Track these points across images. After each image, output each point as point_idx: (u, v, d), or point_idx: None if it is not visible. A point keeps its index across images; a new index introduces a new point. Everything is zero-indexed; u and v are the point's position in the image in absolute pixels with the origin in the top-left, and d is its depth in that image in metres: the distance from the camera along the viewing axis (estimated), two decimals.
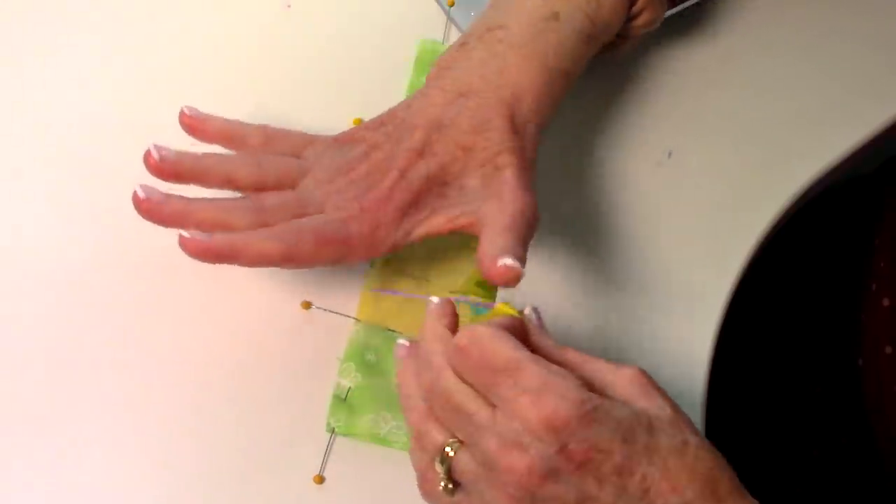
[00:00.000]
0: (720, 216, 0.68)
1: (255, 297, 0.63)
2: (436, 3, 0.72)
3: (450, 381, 0.51)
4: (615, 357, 0.64)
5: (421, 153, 0.60)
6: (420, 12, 0.72)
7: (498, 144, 0.59)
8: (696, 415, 0.63)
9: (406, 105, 0.62)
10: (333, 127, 0.67)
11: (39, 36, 0.70)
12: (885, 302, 0.76)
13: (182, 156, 0.59)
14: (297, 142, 0.62)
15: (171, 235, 0.58)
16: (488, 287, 0.65)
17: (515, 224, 0.57)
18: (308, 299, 0.64)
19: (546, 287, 0.66)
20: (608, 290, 0.66)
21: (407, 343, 0.55)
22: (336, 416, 0.62)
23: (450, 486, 0.52)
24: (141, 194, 0.57)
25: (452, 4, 0.71)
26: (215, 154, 0.60)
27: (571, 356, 0.53)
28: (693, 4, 0.71)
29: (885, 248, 0.78)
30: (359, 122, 0.68)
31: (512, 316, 0.54)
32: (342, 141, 0.62)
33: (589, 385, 0.50)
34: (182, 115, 0.61)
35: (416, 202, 0.59)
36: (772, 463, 0.80)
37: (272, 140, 0.62)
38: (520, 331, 0.53)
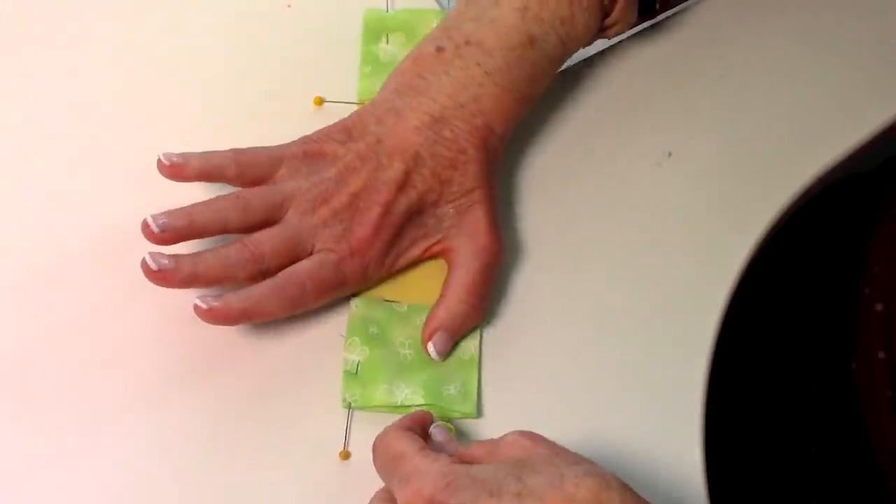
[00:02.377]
0: (720, 216, 0.68)
1: None
2: None
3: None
4: (614, 358, 0.64)
5: (402, 186, 0.63)
6: None
7: (472, 179, 0.64)
8: (696, 414, 0.63)
9: (376, 119, 0.64)
10: (296, 109, 0.69)
11: (36, 35, 0.70)
12: (878, 307, 0.76)
13: (176, 220, 0.61)
14: (268, 162, 0.64)
15: None
16: None
17: (481, 277, 0.64)
18: None
19: (545, 287, 0.66)
20: (606, 290, 0.66)
21: None
22: (350, 391, 0.62)
23: None
24: (152, 265, 0.60)
25: None
26: (202, 207, 0.62)
27: (467, 449, 0.56)
28: (693, 5, 0.71)
29: (879, 253, 0.78)
30: (319, 101, 0.69)
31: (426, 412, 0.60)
32: (311, 155, 0.64)
33: (475, 460, 0.54)
34: (160, 164, 0.63)
35: (398, 234, 0.63)
36: (770, 461, 0.80)
37: (245, 167, 0.64)
38: (429, 422, 0.59)
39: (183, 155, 0.63)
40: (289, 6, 0.72)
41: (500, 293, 0.66)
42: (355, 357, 0.63)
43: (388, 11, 0.72)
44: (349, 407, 0.62)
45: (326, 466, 0.61)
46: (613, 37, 0.69)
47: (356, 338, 0.63)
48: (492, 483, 0.50)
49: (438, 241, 0.64)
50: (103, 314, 0.63)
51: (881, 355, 0.74)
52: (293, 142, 0.65)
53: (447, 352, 0.63)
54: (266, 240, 0.62)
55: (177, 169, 0.63)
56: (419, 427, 0.58)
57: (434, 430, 0.59)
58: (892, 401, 0.73)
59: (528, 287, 0.66)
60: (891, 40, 0.72)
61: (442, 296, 0.64)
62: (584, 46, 0.67)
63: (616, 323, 0.65)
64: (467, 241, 0.64)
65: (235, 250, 0.61)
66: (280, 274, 0.61)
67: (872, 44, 0.72)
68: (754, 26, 0.73)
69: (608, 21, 0.67)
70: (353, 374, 0.62)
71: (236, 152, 0.64)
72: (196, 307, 0.60)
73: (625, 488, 0.50)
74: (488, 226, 0.64)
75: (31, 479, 0.59)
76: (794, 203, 0.68)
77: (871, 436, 0.75)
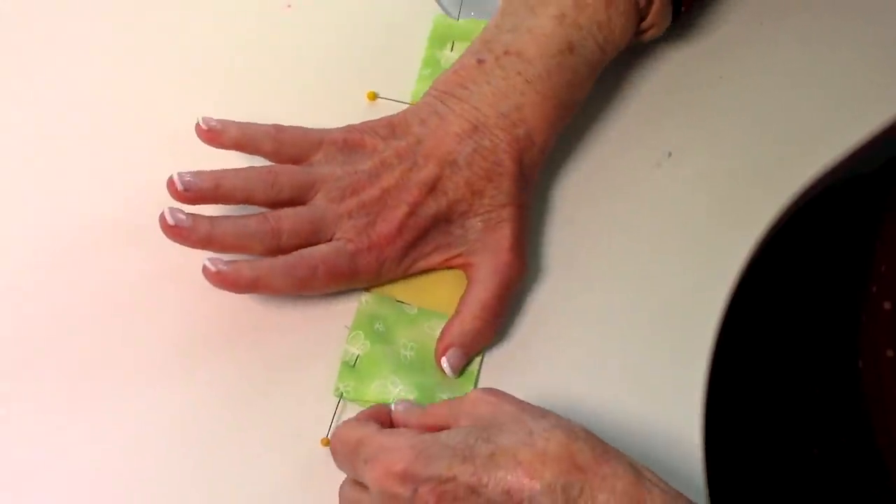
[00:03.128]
0: (720, 216, 0.68)
1: None
2: None
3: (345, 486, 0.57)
4: (613, 359, 0.64)
5: (432, 189, 0.62)
6: None
7: (505, 195, 0.63)
8: (697, 414, 0.62)
9: (420, 120, 0.64)
10: (350, 99, 0.69)
11: (37, 34, 0.71)
12: (887, 305, 0.75)
13: (203, 181, 0.61)
14: (307, 144, 0.64)
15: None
16: None
17: (498, 295, 0.63)
18: None
19: (545, 285, 0.66)
20: (604, 289, 0.66)
21: None
22: (345, 382, 0.62)
23: None
24: (169, 220, 0.60)
25: None
26: (232, 174, 0.62)
27: (430, 408, 0.57)
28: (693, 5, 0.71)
29: (886, 252, 0.77)
30: (373, 96, 0.70)
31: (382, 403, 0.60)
32: (351, 145, 0.64)
33: (440, 427, 0.54)
34: (198, 128, 0.63)
35: (421, 237, 0.63)
36: (772, 461, 0.80)
37: (283, 144, 0.64)
38: (385, 414, 0.59)
39: (222, 121, 0.63)
40: (288, 6, 0.72)
41: None
42: (356, 350, 0.63)
43: (458, 20, 0.72)
44: (340, 397, 0.62)
45: (307, 452, 0.61)
46: (649, 41, 0.69)
47: (360, 332, 0.64)
48: (463, 448, 0.51)
49: (461, 254, 0.64)
50: (102, 307, 0.64)
51: (889, 353, 0.74)
52: (336, 128, 0.65)
53: (462, 367, 0.63)
54: (288, 217, 0.62)
55: (213, 134, 0.63)
56: (376, 421, 0.58)
57: (396, 405, 0.59)
58: None
59: (525, 286, 0.66)
60: (891, 41, 0.72)
61: (457, 311, 0.63)
62: (620, 51, 0.67)
63: (615, 323, 0.65)
64: (490, 257, 0.63)
65: (256, 221, 0.62)
66: (295, 253, 0.62)
67: (872, 44, 0.72)
68: (754, 26, 0.73)
69: (644, 24, 0.67)
70: (350, 366, 0.63)
71: (277, 129, 0.64)
72: (204, 268, 0.60)
73: (591, 437, 0.51)
74: (513, 244, 0.64)
75: (30, 465, 0.60)
76: (794, 203, 0.68)
77: (878, 435, 0.75)
